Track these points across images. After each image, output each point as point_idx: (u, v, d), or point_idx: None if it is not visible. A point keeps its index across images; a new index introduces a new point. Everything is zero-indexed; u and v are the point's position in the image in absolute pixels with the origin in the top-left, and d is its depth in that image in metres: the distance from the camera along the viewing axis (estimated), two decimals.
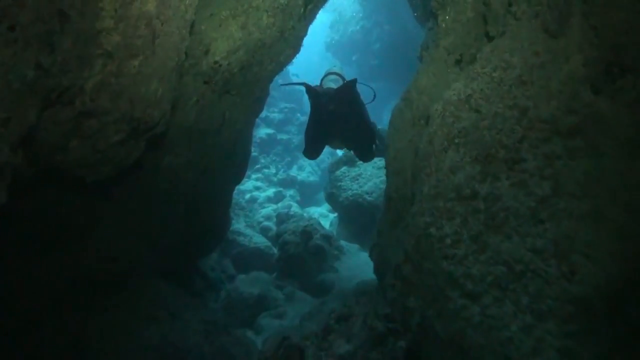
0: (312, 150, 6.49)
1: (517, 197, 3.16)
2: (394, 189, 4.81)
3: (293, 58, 6.97)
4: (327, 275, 9.16)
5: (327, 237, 9.85)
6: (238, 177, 7.58)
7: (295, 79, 24.59)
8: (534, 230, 3.01)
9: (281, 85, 8.20)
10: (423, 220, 3.54)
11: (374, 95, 6.38)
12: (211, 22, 5.00)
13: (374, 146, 6.49)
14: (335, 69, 6.48)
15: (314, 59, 37.08)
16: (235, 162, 6.77)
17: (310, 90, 5.92)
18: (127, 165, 3.49)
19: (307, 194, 18.53)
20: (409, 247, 3.68)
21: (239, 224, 12.25)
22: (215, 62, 5.17)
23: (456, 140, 3.62)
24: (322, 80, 6.34)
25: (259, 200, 16.69)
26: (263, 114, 20.39)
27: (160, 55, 3.12)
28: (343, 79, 6.28)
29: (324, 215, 16.36)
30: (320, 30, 30.31)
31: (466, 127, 3.60)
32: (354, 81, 5.82)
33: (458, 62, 4.81)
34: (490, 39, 4.12)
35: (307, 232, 9.54)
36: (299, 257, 9.27)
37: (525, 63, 3.37)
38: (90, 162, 3.15)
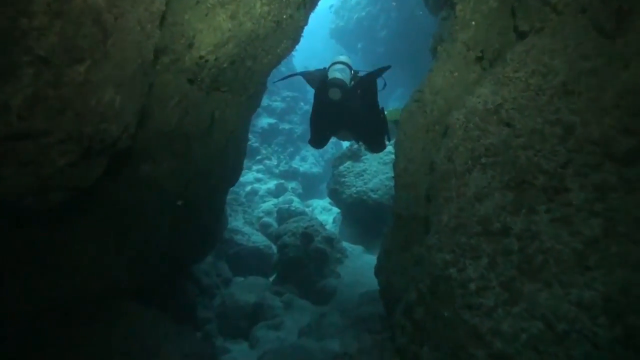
0: (317, 140, 6.15)
1: (560, 236, 2.57)
2: (403, 205, 4.19)
3: (292, 50, 6.32)
4: (329, 280, 8.58)
5: (329, 240, 9.25)
6: (231, 179, 6.97)
7: (300, 69, 23.91)
8: (580, 279, 2.45)
9: (274, 82, 8.02)
10: (441, 258, 2.93)
11: (384, 84, 5.92)
12: (196, 11, 4.36)
13: (385, 137, 6.14)
14: (342, 58, 5.94)
15: (318, 45, 36.14)
16: (227, 164, 6.16)
17: (310, 79, 5.75)
18: (85, 187, 2.88)
19: (309, 186, 17.94)
20: (423, 287, 3.07)
21: (237, 221, 11.67)
22: (201, 57, 4.54)
23: (482, 160, 3.00)
24: (327, 69, 5.84)
25: (259, 193, 16.11)
26: (264, 102, 19.77)
27: (116, 58, 2.49)
28: (350, 68, 5.83)
29: (326, 209, 15.78)
30: (324, 15, 29.57)
31: (495, 145, 2.98)
32: (377, 73, 5.66)
33: (479, 59, 4.17)
34: (521, 35, 3.48)
35: (308, 235, 8.95)
36: (299, 261, 8.68)
37: (570, 68, 2.73)
38: (35, 190, 2.54)
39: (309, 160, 19.18)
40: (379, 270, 4.73)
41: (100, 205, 4.20)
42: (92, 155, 2.70)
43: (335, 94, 5.38)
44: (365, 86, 5.67)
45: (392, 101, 22.10)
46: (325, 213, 15.65)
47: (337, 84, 5.38)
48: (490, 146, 2.99)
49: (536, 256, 2.60)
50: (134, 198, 4.54)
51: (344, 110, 5.56)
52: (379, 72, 5.72)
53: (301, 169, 18.31)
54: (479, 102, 3.23)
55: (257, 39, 5.06)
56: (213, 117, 5.26)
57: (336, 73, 5.62)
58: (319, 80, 5.70)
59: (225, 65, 4.95)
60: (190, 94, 4.65)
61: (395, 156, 4.72)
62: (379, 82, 5.91)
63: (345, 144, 22.34)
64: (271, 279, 9.54)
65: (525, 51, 3.08)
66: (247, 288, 8.49)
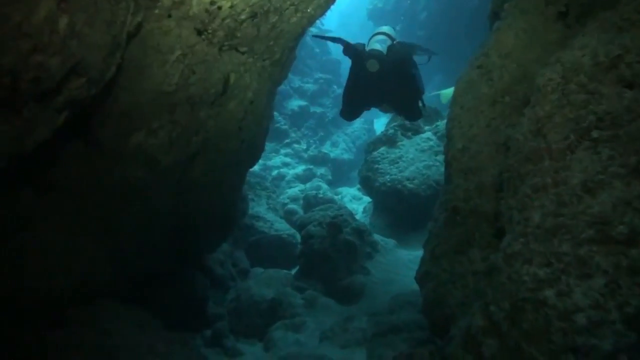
0: (349, 111, 6.09)
1: None
2: (461, 196, 3.25)
3: (326, 9, 5.40)
4: (357, 277, 7.67)
5: (359, 232, 8.32)
6: (250, 159, 6.08)
7: (334, 53, 22.92)
8: None
9: (313, 36, 8.03)
10: (530, 272, 2.00)
11: (429, 57, 5.87)
12: None
13: (420, 103, 6.07)
14: (385, 29, 5.91)
15: (354, 29, 34.93)
16: (244, 141, 5.28)
17: (349, 49, 5.64)
18: (22, 153, 2.02)
19: (339, 173, 17.00)
20: (497, 312, 2.15)
21: (259, 207, 10.82)
22: (212, 2, 3.66)
23: (594, 134, 2.04)
24: (368, 41, 5.79)
25: (286, 178, 15.25)
26: (296, 83, 18.90)
27: None
28: (392, 39, 5.73)
29: (357, 198, 14.83)
30: None
31: (613, 113, 2.03)
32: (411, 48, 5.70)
33: (562, 15, 3.20)
34: None
35: (336, 225, 8.03)
36: (325, 255, 7.78)
37: None
38: None
39: (340, 146, 18.22)
40: (423, 277, 3.79)
41: (73, 185, 3.37)
42: (25, 105, 1.84)
43: (373, 66, 5.29)
44: (400, 56, 5.55)
45: (430, 88, 21.02)
46: (354, 202, 14.71)
47: (375, 55, 5.32)
48: (605, 115, 2.05)
49: None
50: (121, 175, 3.70)
51: (381, 81, 5.43)
52: (420, 49, 5.76)
53: (331, 154, 17.35)
54: (584, 56, 2.28)
55: None
56: (227, 82, 4.38)
57: (376, 44, 5.54)
58: (359, 51, 5.58)
59: (243, 17, 4.07)
60: (197, 48, 3.78)
61: (449, 136, 3.79)
62: (422, 57, 5.85)
63: (379, 129, 21.46)
64: (293, 272, 8.69)
65: None
66: (265, 281, 7.64)
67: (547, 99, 2.33)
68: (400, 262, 8.38)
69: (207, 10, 3.65)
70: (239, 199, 6.83)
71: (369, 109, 6.31)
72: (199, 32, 3.75)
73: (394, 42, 5.80)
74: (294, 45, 5.60)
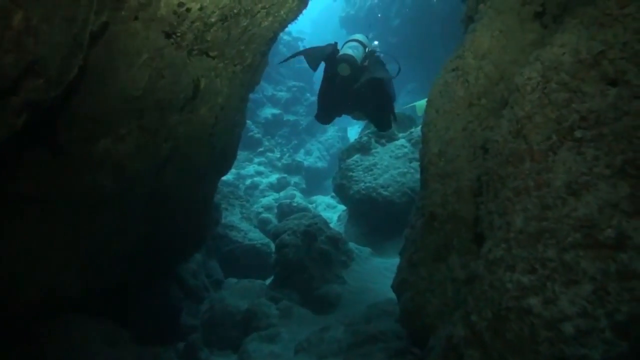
0: (324, 115, 6.00)
1: None
2: (439, 201, 3.17)
3: (299, 13, 5.32)
4: (332, 286, 7.54)
5: (334, 240, 8.21)
6: (221, 167, 5.94)
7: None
8: None
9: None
10: (513, 280, 1.92)
11: (399, 69, 5.80)
12: None
13: (391, 115, 6.12)
14: (358, 36, 5.79)
15: (328, 36, 35.04)
16: (215, 147, 5.14)
17: (312, 57, 5.42)
18: None
19: (313, 181, 16.91)
20: (479, 321, 2.06)
21: (233, 216, 10.65)
22: (180, 4, 3.54)
23: (577, 134, 1.98)
24: (342, 47, 5.70)
25: (260, 187, 15.10)
26: (269, 92, 18.77)
27: None
28: (364, 46, 5.66)
29: (331, 207, 14.74)
30: (335, 4, 28.53)
31: (597, 111, 1.96)
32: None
33: (539, 15, 3.15)
34: None
35: (311, 234, 7.91)
36: (300, 264, 7.64)
37: None
38: None
39: (314, 154, 18.14)
40: (400, 286, 3.69)
41: (39, 193, 3.20)
42: None
43: (344, 70, 5.29)
44: (372, 65, 5.53)
45: (402, 96, 21.05)
46: (329, 210, 14.61)
47: (347, 59, 5.28)
48: (588, 113, 1.98)
49: None
50: (89, 182, 3.53)
51: (352, 86, 5.40)
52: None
53: (305, 163, 17.25)
54: (565, 53, 2.21)
55: None
56: (198, 87, 4.25)
57: (348, 50, 5.46)
58: (329, 55, 5.51)
59: (213, 19, 3.95)
60: (166, 51, 3.64)
61: (424, 141, 3.71)
62: (394, 68, 5.82)
63: (353, 137, 21.39)
64: (268, 282, 8.54)
65: None
66: (240, 292, 7.49)
67: (526, 99, 2.25)
68: (376, 270, 8.29)
69: (175, 13, 3.53)
70: (212, 207, 6.67)
71: (340, 116, 6.22)
72: (168, 35, 3.62)
73: (367, 50, 5.75)
74: (265, 49, 5.49)
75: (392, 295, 7.13)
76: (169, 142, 4.10)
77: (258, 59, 5.38)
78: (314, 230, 8.01)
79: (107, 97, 3.32)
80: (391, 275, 8.15)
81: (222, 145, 5.32)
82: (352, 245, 8.90)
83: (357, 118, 6.69)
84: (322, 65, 5.68)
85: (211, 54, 4.35)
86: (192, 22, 3.75)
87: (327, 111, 5.95)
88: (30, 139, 3.00)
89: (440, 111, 3.57)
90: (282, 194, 14.20)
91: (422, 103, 10.13)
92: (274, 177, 15.71)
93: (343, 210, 12.20)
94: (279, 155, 16.96)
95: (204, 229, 5.91)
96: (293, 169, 16.59)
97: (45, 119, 2.97)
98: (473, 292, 2.16)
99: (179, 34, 3.68)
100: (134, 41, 3.33)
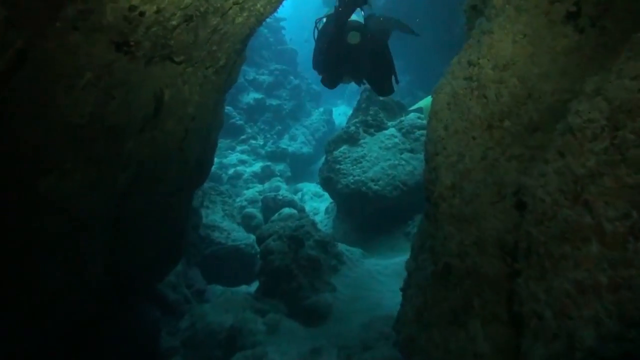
0: (332, 81, 6.11)
1: None
2: (455, 251, 2.59)
3: (278, 6, 4.66)
4: (323, 296, 7.00)
5: (322, 244, 7.65)
6: (198, 179, 5.33)
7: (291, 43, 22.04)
8: None
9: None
10: None
11: (410, 30, 6.05)
12: None
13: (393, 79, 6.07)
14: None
15: (309, 14, 33.95)
16: (188, 161, 4.52)
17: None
18: None
19: (299, 168, 16.29)
20: None
21: (215, 214, 10.04)
22: (132, 8, 2.89)
23: None
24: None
25: (244, 177, 14.46)
26: (250, 75, 17.97)
27: None
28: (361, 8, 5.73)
29: (318, 195, 14.15)
30: None
31: None
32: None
33: (572, 16, 2.55)
34: None
35: (298, 239, 7.35)
36: (287, 272, 7.09)
37: None
38: None
39: (299, 139, 17.45)
40: (408, 346, 3.07)
41: None
42: None
43: (354, 38, 5.37)
44: (382, 28, 5.78)
45: (397, 95, 20.28)
46: (316, 199, 14.05)
47: (356, 27, 5.36)
48: None
49: None
50: (36, 227, 2.92)
51: (360, 53, 5.55)
52: (399, 26, 6.05)
53: (290, 149, 16.57)
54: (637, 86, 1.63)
55: None
56: (161, 100, 3.61)
57: (353, 15, 5.49)
58: (333, 21, 5.55)
59: (174, 22, 3.31)
60: (116, 66, 2.99)
61: (432, 165, 3.11)
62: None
63: (338, 118, 20.71)
64: (253, 287, 7.99)
65: None
66: (223, 306, 6.91)
67: (587, 149, 1.67)
68: (368, 275, 7.75)
69: (126, 19, 2.88)
70: (188, 222, 6.06)
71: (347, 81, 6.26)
72: (118, 46, 2.97)
73: (374, 15, 5.98)
74: (241, 47, 4.84)
75: (389, 306, 6.65)
76: (129, 170, 3.48)
77: (233, 57, 4.74)
78: (301, 235, 7.44)
79: (45, 129, 2.70)
80: (384, 280, 7.70)
81: (196, 157, 4.70)
82: (342, 247, 8.34)
83: (347, 82, 6.58)
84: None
85: (176, 59, 3.71)
86: (149, 28, 3.10)
87: (333, 76, 6.01)
88: None
89: (451, 130, 2.99)
90: (266, 185, 13.58)
91: (429, 104, 9.58)
92: (257, 166, 15.08)
93: (331, 202, 11.64)
94: (262, 143, 16.29)
95: (179, 247, 5.31)
96: (278, 156, 15.95)
97: None
98: None
99: (132, 43, 3.04)
100: (74, 58, 2.69)
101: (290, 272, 7.10)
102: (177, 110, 3.96)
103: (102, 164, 3.12)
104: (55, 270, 3.35)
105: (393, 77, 5.96)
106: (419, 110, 10.84)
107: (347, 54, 5.54)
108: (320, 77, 6.15)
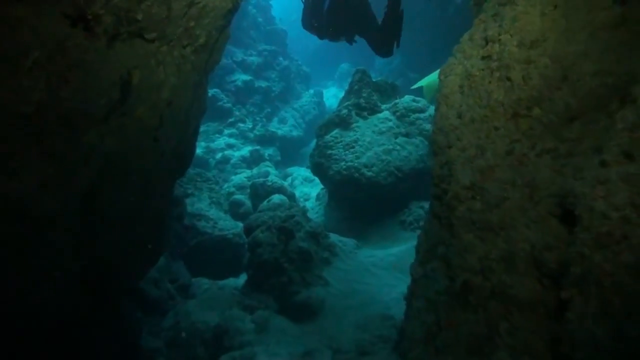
0: (335, 34, 6.19)
1: None
2: (476, 266, 2.16)
3: None
4: (314, 291, 6.60)
5: (314, 235, 7.23)
6: (178, 170, 4.86)
7: (280, 22, 21.38)
8: None
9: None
10: None
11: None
12: None
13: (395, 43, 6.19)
14: None
15: None
16: (164, 152, 4.06)
17: None
18: None
19: (289, 152, 15.82)
20: None
21: (201, 202, 9.58)
22: None
23: None
24: None
25: (232, 161, 13.99)
26: (238, 57, 17.38)
27: None
28: None
29: (308, 180, 13.72)
30: None
31: None
32: None
33: None
34: None
35: (287, 230, 6.92)
36: (276, 265, 6.68)
37: None
38: None
39: (289, 122, 16.96)
40: None
41: None
42: None
43: None
44: None
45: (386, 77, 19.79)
46: (306, 184, 13.62)
47: None
48: None
49: None
50: None
51: (365, 10, 5.91)
52: None
53: (279, 132, 16.08)
54: None
55: None
56: (128, 83, 3.14)
57: None
58: None
59: None
60: (71, 44, 2.53)
61: (444, 158, 2.68)
62: None
63: (328, 100, 20.19)
64: (241, 280, 7.56)
65: None
66: (209, 302, 6.51)
67: None
68: (362, 267, 7.35)
69: None
70: (167, 215, 5.61)
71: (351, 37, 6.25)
72: (73, 21, 2.50)
73: None
74: (224, 23, 4.38)
75: (382, 300, 6.26)
76: (92, 163, 3.02)
77: (215, 35, 4.28)
78: (291, 226, 7.02)
79: None
80: (379, 273, 7.29)
81: (173, 147, 4.24)
82: (334, 237, 7.92)
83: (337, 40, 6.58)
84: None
85: (147, 36, 3.25)
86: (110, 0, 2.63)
87: (337, 31, 6.09)
88: None
89: (466, 118, 2.55)
90: (255, 170, 13.11)
91: (431, 82, 9.02)
92: (246, 150, 14.59)
93: (322, 188, 11.21)
94: (251, 126, 15.76)
95: (159, 243, 4.87)
96: (267, 139, 15.46)
97: None
98: None
99: (90, 17, 2.57)
100: (17, 36, 2.22)
101: (280, 265, 6.69)
102: (149, 95, 3.50)
103: (57, 159, 2.66)
104: (18, 272, 2.93)
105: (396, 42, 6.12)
106: (419, 90, 10.32)
107: (349, 12, 5.80)
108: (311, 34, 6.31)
